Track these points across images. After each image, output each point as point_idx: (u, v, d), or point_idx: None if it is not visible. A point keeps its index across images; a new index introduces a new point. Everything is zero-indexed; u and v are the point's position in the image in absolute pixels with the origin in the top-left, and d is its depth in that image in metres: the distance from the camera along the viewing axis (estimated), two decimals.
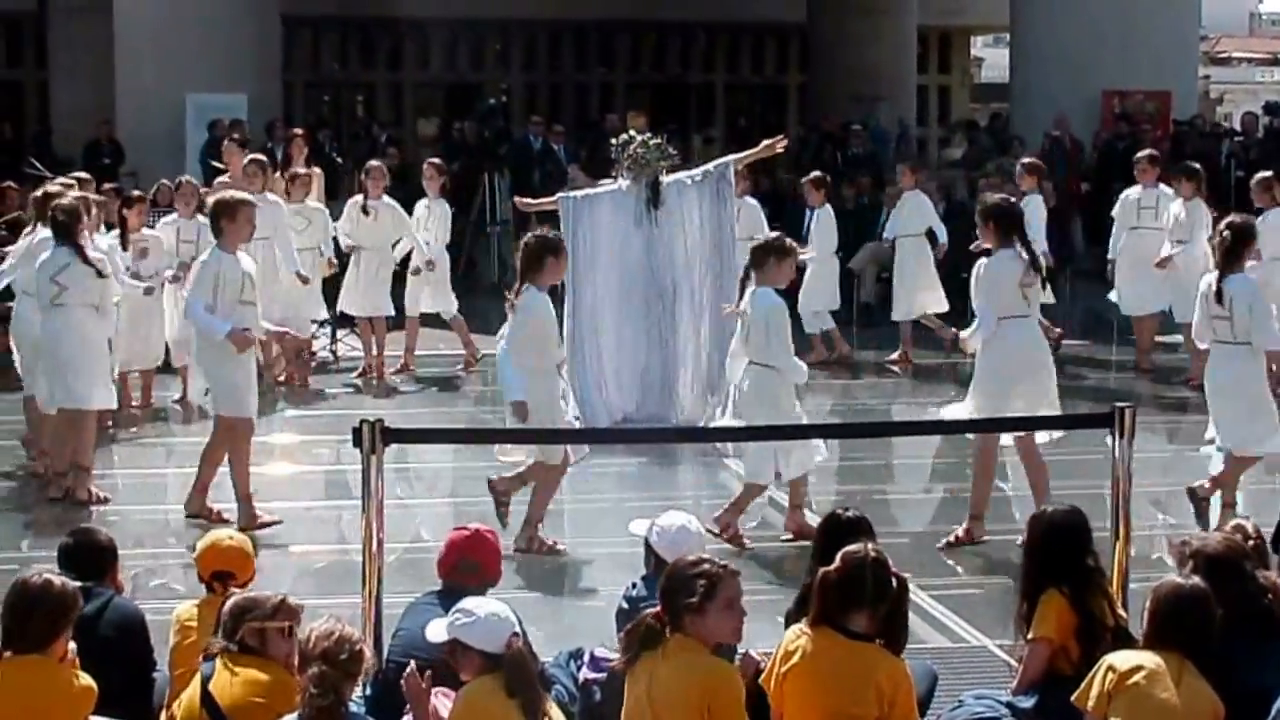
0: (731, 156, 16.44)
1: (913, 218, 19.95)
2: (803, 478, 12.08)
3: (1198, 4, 30.93)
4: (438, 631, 6.99)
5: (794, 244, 12.68)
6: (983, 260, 12.01)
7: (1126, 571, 8.41)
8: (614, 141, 16.30)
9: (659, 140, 16.11)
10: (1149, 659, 6.82)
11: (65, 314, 13.05)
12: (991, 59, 51.11)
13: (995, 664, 9.25)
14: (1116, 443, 8.39)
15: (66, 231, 13.00)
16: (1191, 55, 31.62)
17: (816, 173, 20.77)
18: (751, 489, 12.08)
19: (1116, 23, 27.83)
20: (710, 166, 16.12)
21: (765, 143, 16.16)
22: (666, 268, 15.79)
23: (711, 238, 15.82)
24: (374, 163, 20.13)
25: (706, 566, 6.85)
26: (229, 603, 7.16)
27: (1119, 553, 8.40)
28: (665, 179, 15.78)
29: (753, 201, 19.11)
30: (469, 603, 6.98)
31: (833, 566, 6.90)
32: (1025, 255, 11.77)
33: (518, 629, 6.90)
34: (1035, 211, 18.06)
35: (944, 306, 18.53)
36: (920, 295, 19.36)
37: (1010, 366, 11.79)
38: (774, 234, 13.17)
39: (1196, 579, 7.04)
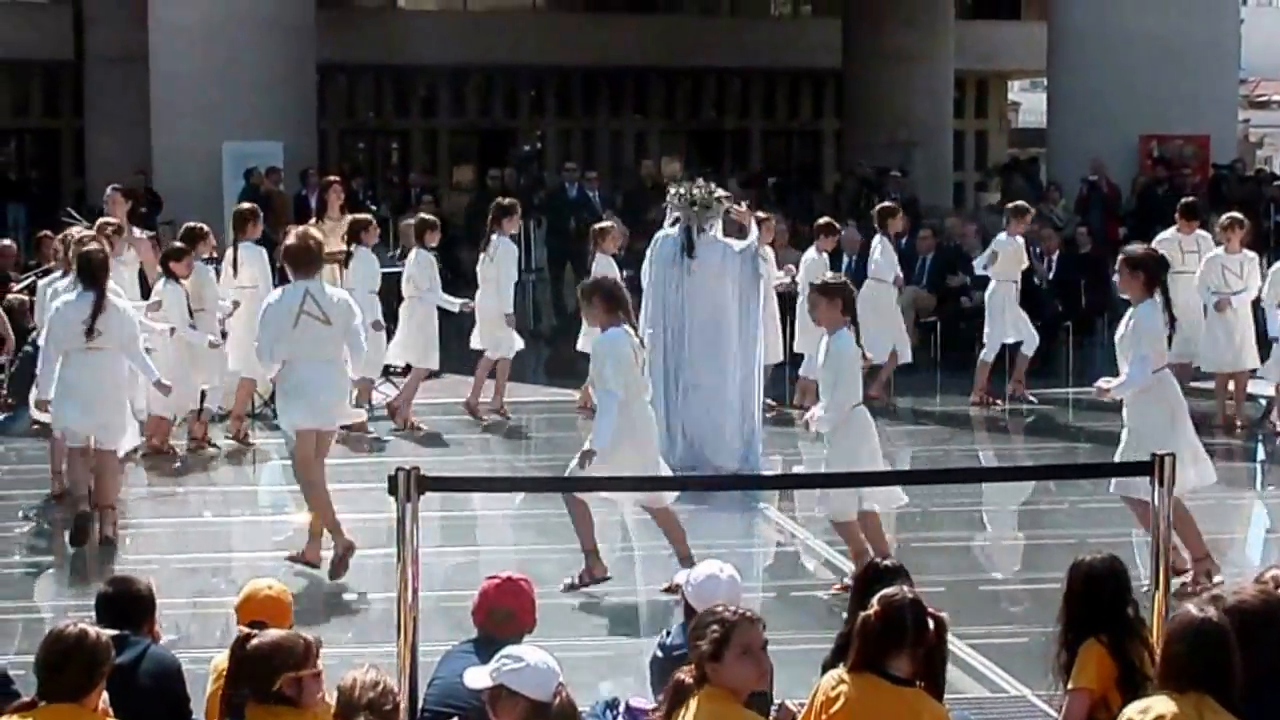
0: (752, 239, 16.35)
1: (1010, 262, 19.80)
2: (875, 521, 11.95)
3: (1237, 48, 30.86)
4: (479, 678, 6.92)
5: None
6: (1132, 312, 11.96)
7: (1167, 620, 8.32)
8: (672, 189, 16.33)
9: (712, 188, 16.14)
10: (1164, 705, 6.63)
11: (98, 358, 13.12)
12: (1029, 104, 51.10)
13: (1035, 714, 9.18)
14: (1157, 490, 8.32)
15: (94, 277, 13.09)
16: (1231, 99, 31.53)
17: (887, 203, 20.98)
18: (841, 527, 12.00)
19: (1154, 67, 27.75)
20: (750, 243, 16.08)
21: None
22: (690, 314, 15.80)
23: (740, 305, 15.82)
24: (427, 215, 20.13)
25: (723, 614, 6.81)
26: (253, 647, 7.00)
27: (1159, 602, 8.31)
28: (707, 231, 15.76)
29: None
30: (515, 650, 6.93)
31: (871, 611, 6.85)
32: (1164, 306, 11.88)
33: (562, 678, 6.87)
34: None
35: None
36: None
37: (1173, 416, 11.89)
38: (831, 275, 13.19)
39: (1211, 610, 6.87)
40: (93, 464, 13.32)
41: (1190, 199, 20.03)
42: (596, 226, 19.54)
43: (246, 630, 7.19)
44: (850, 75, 40.61)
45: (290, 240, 12.87)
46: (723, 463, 15.47)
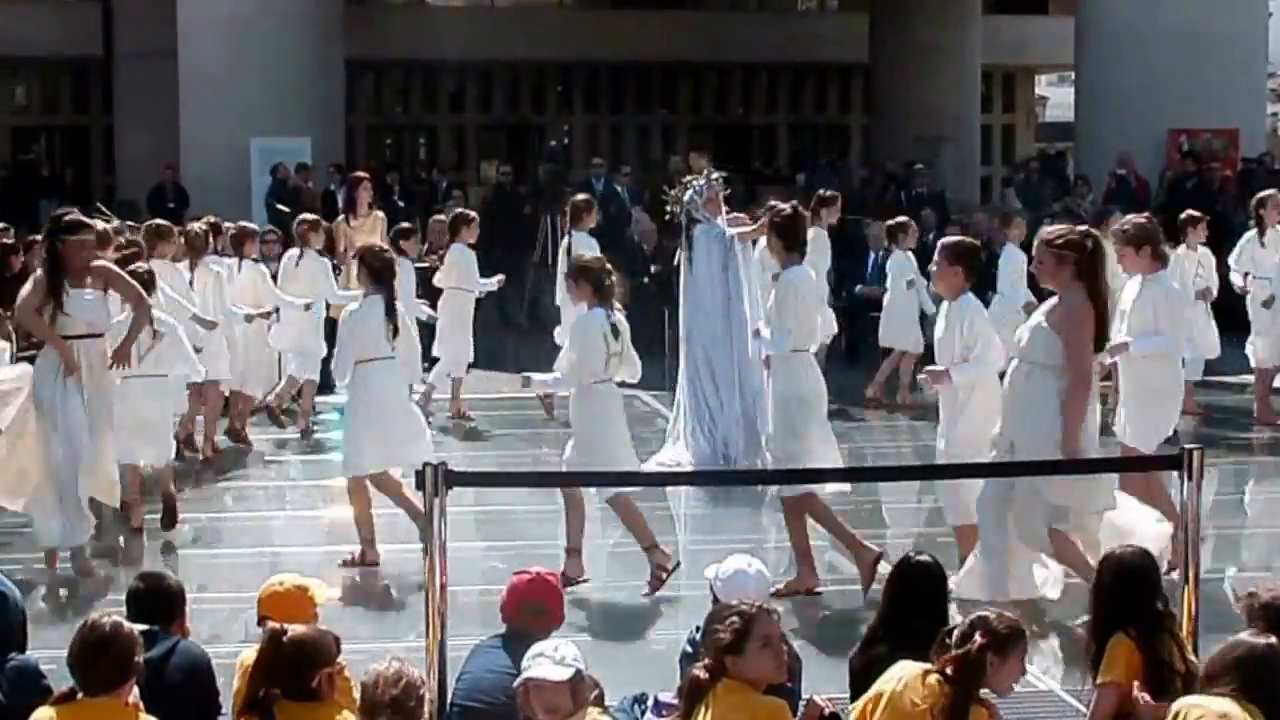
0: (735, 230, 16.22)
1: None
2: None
3: (1265, 40, 30.78)
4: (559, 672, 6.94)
5: None
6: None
7: (1196, 616, 8.31)
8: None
9: (692, 179, 16.16)
10: (1221, 704, 6.68)
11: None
12: (1056, 98, 50.97)
13: (1064, 709, 9.17)
14: (1185, 485, 8.31)
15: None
16: (1259, 92, 31.46)
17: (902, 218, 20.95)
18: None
19: (1182, 60, 27.70)
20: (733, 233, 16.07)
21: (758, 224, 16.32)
22: (692, 308, 15.84)
23: (722, 297, 15.83)
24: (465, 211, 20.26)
25: (741, 606, 6.88)
26: (290, 642, 7.02)
27: (1188, 596, 8.31)
28: (704, 221, 15.75)
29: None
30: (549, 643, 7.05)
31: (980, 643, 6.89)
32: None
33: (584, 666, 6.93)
34: (1009, 260, 18.62)
35: None
36: None
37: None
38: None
39: (1273, 638, 6.91)
40: None
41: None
42: (578, 198, 19.40)
43: (276, 626, 7.20)
44: (877, 70, 40.58)
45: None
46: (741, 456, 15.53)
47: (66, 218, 12.44)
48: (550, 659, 6.88)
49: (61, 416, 12.09)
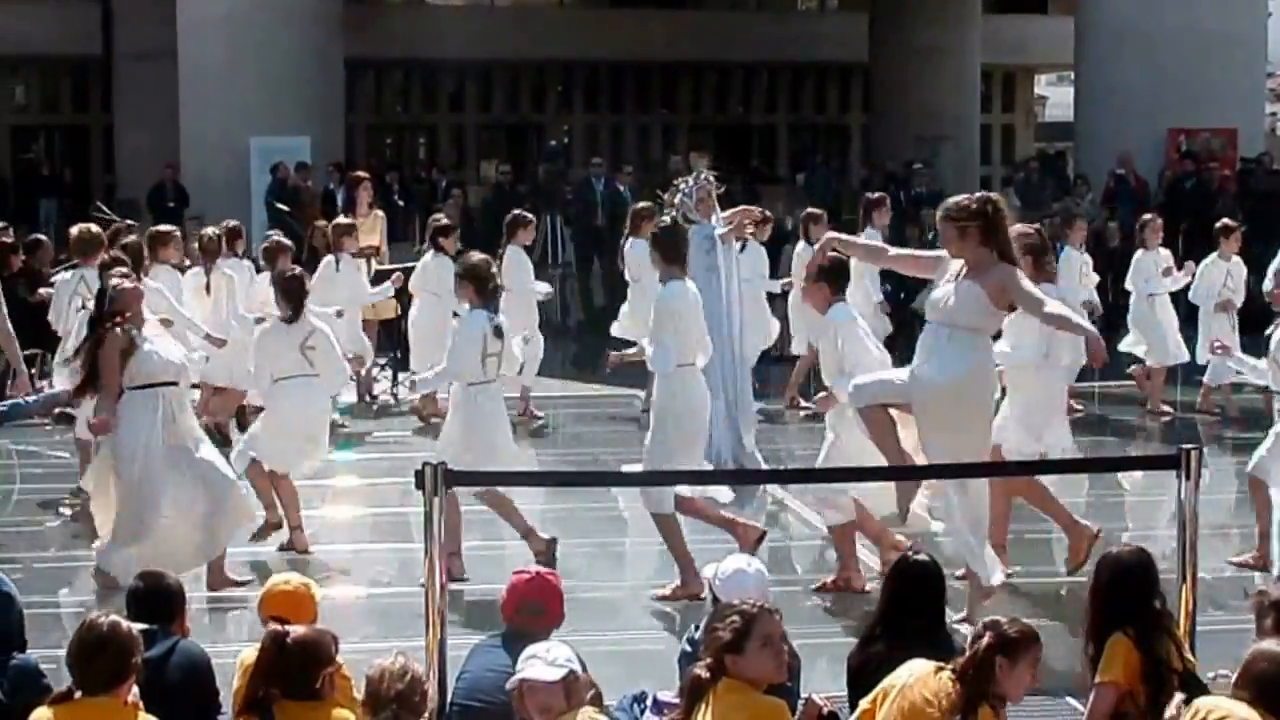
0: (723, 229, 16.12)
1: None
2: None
3: (1264, 41, 30.79)
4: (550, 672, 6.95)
5: None
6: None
7: (1194, 614, 8.33)
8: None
9: (681, 181, 16.15)
10: (1243, 710, 6.67)
11: None
12: (1056, 97, 51.01)
13: (1062, 708, 9.17)
14: (1183, 485, 8.32)
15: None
16: (1258, 92, 31.45)
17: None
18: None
19: (1182, 60, 27.71)
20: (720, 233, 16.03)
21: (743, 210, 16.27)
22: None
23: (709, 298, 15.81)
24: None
25: (742, 606, 6.89)
26: (295, 643, 7.04)
27: (1185, 596, 8.32)
28: (696, 222, 15.73)
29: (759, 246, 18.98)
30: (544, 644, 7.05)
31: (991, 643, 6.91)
32: None
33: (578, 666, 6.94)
34: (1067, 262, 18.29)
35: None
36: None
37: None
38: None
39: None
40: None
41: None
42: (639, 206, 19.00)
43: (278, 627, 7.20)
44: (877, 69, 40.60)
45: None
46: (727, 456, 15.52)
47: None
48: (542, 660, 6.90)
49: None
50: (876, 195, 20.48)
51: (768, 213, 18.69)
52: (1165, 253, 18.74)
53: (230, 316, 16.56)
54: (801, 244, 19.77)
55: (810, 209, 20.48)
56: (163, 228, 17.26)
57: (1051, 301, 10.40)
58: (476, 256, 12.82)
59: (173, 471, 11.42)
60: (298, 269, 14.27)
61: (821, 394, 11.69)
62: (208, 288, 16.81)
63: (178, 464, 11.45)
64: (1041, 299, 10.27)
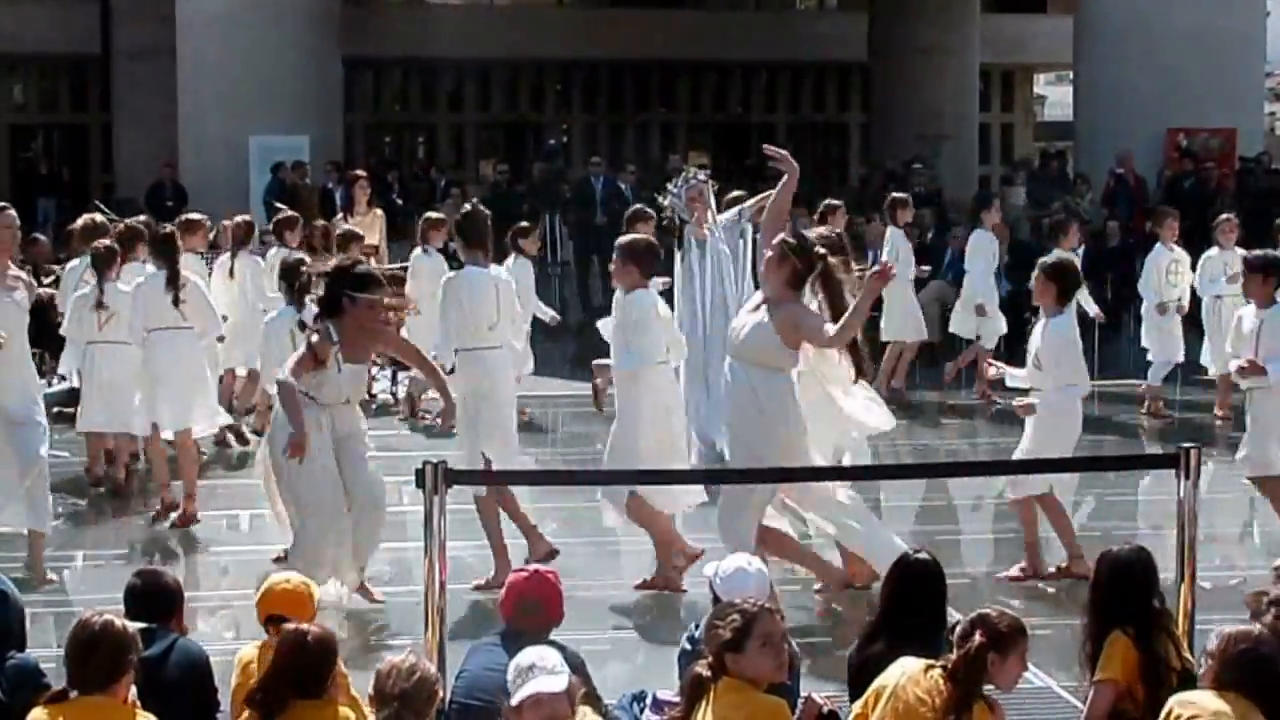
0: (749, 202, 16.13)
1: None
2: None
3: (1263, 40, 30.80)
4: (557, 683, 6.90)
5: None
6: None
7: (1193, 614, 8.34)
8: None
9: (671, 183, 16.13)
10: (1214, 702, 6.72)
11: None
12: (1054, 96, 51.02)
13: (1060, 706, 9.18)
14: (1182, 484, 8.33)
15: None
16: (1257, 91, 31.46)
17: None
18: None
19: (1181, 60, 27.70)
20: (734, 213, 15.98)
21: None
22: (684, 306, 15.81)
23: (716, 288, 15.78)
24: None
25: (742, 605, 6.89)
26: (314, 642, 6.98)
27: (1184, 595, 8.33)
28: (688, 221, 15.71)
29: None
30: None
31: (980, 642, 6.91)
32: None
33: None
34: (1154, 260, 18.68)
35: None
36: None
37: None
38: None
39: (1266, 623, 6.95)
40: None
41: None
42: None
43: (294, 626, 7.17)
44: (876, 69, 40.59)
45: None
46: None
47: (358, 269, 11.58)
48: (544, 670, 6.77)
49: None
50: (900, 195, 20.86)
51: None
52: (1240, 252, 18.53)
53: (257, 300, 16.96)
54: (891, 229, 19.99)
55: (829, 200, 20.61)
56: (194, 215, 17.47)
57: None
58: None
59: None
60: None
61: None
62: (231, 272, 17.39)
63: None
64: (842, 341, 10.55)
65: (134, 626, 6.99)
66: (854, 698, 7.34)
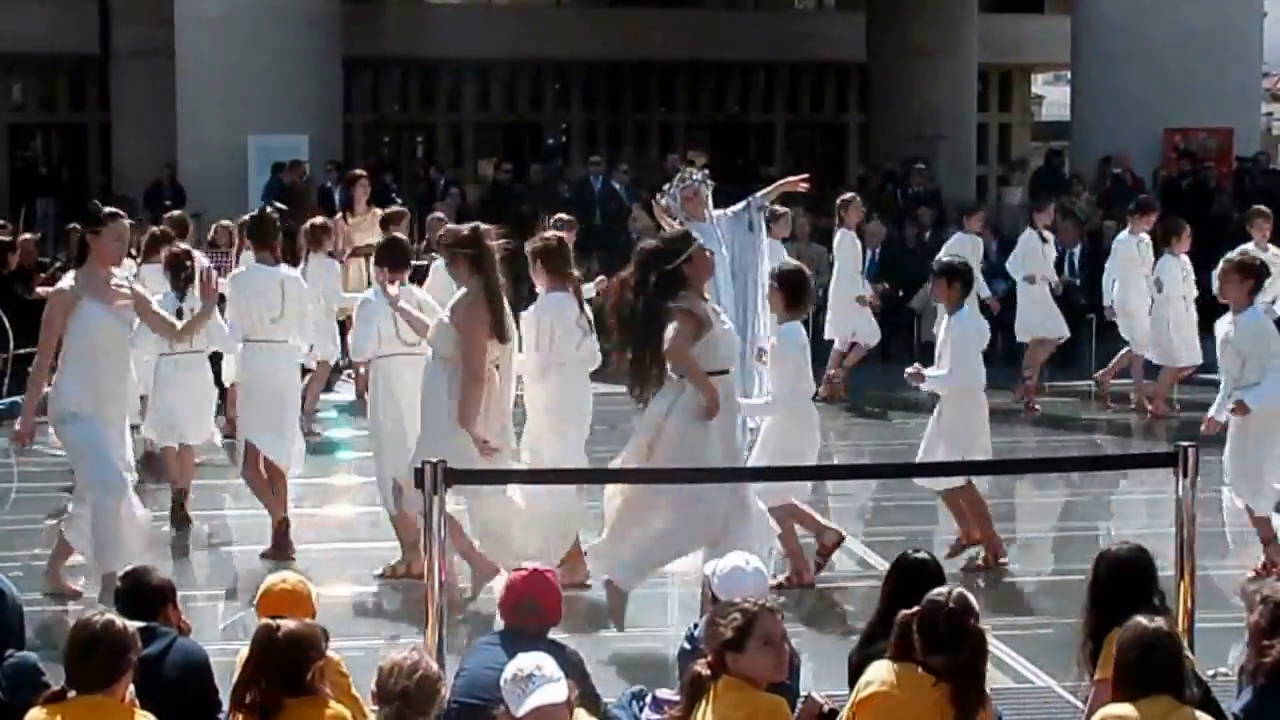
0: (760, 192, 16.14)
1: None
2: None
3: (1260, 40, 30.81)
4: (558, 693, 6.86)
5: None
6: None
7: (1192, 612, 8.35)
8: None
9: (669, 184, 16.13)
10: (1126, 710, 6.69)
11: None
12: (1052, 96, 51.00)
13: (1060, 705, 9.19)
14: (1180, 482, 8.33)
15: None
16: (1254, 92, 31.50)
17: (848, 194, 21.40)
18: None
19: (1178, 60, 27.74)
20: (740, 206, 15.98)
21: (786, 180, 16.23)
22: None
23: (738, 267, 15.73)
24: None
25: (743, 604, 6.88)
26: (285, 635, 6.91)
27: (1184, 593, 8.34)
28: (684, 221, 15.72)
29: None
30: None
31: (913, 610, 6.90)
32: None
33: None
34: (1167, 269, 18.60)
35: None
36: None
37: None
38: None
39: (1160, 621, 6.94)
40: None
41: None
42: (313, 223, 18.49)
43: (267, 622, 7.14)
44: (874, 69, 40.59)
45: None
46: None
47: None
48: (544, 678, 6.66)
49: None
50: (848, 195, 21.06)
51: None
52: (1275, 250, 18.39)
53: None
54: (841, 231, 20.01)
55: (843, 195, 20.76)
56: (317, 220, 18.09)
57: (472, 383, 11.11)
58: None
59: None
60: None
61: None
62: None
63: None
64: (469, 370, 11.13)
65: (134, 626, 7.00)
66: None
